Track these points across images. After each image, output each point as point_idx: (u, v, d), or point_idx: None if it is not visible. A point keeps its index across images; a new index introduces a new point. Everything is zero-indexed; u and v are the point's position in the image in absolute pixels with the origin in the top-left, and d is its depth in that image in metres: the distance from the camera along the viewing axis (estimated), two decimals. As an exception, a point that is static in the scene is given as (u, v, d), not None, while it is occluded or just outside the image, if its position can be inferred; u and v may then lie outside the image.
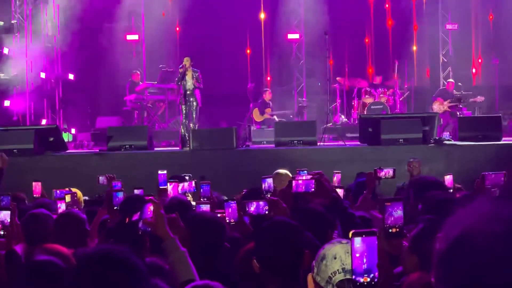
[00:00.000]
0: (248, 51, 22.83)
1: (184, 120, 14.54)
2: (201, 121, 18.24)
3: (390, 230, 3.54)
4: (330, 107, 18.01)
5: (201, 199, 6.63)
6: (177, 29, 23.10)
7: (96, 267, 2.35)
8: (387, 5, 22.13)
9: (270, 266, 3.46)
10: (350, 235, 2.57)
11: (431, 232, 3.47)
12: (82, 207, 7.52)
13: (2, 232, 5.09)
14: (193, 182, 7.22)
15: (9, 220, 5.12)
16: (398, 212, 3.64)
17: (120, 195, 6.47)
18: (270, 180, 6.42)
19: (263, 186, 6.42)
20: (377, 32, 22.02)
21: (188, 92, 14.53)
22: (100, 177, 8.69)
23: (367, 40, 22.22)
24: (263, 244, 3.56)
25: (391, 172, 6.86)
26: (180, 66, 14.96)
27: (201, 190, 6.97)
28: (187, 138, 13.78)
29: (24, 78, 21.46)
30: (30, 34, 21.95)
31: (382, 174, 6.81)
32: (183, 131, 14.37)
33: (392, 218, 3.59)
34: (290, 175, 7.25)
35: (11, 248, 4.92)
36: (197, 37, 21.92)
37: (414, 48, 21.98)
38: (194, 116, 14.51)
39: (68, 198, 6.76)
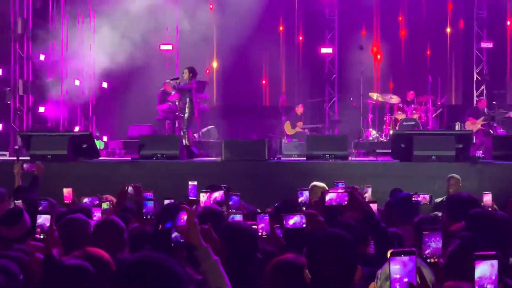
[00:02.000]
0: (281, 63, 22.83)
1: (184, 131, 14.85)
2: (233, 132, 18.29)
3: (428, 260, 3.52)
4: (362, 122, 17.95)
5: (230, 210, 6.62)
6: (207, 40, 23.21)
7: (137, 273, 2.37)
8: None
9: (323, 277, 3.45)
10: (388, 255, 2.54)
11: (468, 248, 3.45)
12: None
13: (41, 236, 5.13)
14: (223, 193, 7.21)
15: (48, 225, 5.16)
16: (437, 243, 3.63)
17: (150, 204, 6.50)
18: (307, 193, 6.40)
19: (300, 198, 6.39)
20: (411, 48, 21.92)
21: (186, 104, 14.76)
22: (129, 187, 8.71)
23: (400, 56, 22.14)
24: (317, 255, 3.54)
25: (427, 198, 6.77)
26: (176, 77, 15.32)
27: (230, 200, 6.96)
28: (190, 147, 14.09)
29: (59, 85, 21.69)
30: (66, 42, 22.19)
31: (419, 199, 6.74)
32: (185, 141, 14.62)
33: (431, 249, 3.57)
34: (327, 188, 7.22)
35: (50, 252, 4.96)
36: (229, 48, 21.98)
37: (451, 64, 21.87)
38: (187, 124, 14.85)
39: (105, 205, 6.78)
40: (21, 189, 9.07)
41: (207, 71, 22.50)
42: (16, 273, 4.31)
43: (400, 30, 22.14)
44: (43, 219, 5.20)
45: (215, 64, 23.20)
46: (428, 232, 3.67)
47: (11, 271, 4.32)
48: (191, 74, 15.05)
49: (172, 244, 3.62)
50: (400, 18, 22.08)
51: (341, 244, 3.51)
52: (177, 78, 15.37)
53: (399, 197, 7.05)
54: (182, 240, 3.61)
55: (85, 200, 7.41)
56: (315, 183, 8.02)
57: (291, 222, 5.19)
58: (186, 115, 14.95)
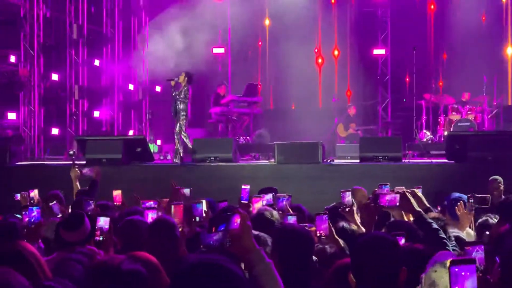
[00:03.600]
0: (334, 65, 22.76)
1: (184, 135, 14.88)
2: (285, 134, 18.26)
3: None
4: (416, 123, 17.77)
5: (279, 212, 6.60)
6: (260, 43, 23.29)
7: (199, 274, 2.41)
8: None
9: (367, 281, 3.43)
10: (448, 264, 2.50)
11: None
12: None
13: (101, 238, 5.20)
14: (272, 195, 7.20)
15: (107, 227, 5.23)
16: (478, 254, 3.60)
17: (200, 206, 6.53)
18: (349, 193, 6.36)
19: (345, 199, 6.38)
20: (466, 47, 21.62)
21: (181, 107, 14.87)
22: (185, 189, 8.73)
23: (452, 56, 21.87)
24: (361, 258, 3.53)
25: (486, 199, 6.63)
26: (172, 79, 15.35)
27: (279, 203, 6.96)
28: (180, 152, 14.13)
29: (113, 90, 21.99)
30: (120, 47, 22.47)
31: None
32: (181, 147, 14.63)
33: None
34: (365, 192, 7.20)
35: (108, 253, 5.02)
36: (280, 51, 21.99)
37: (507, 63, 21.51)
38: (183, 128, 14.81)
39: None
40: (82, 192, 9.21)
41: (259, 75, 22.52)
42: (80, 278, 4.38)
43: (453, 29, 21.88)
44: (103, 222, 5.28)
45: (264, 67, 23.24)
46: (470, 247, 3.65)
47: (75, 276, 4.39)
48: (186, 78, 15.04)
49: (228, 245, 3.61)
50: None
51: (385, 247, 3.48)
52: (172, 79, 15.38)
53: (454, 199, 6.96)
54: (215, 245, 3.60)
55: (150, 203, 7.41)
56: (355, 187, 7.98)
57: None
58: (182, 120, 14.91)
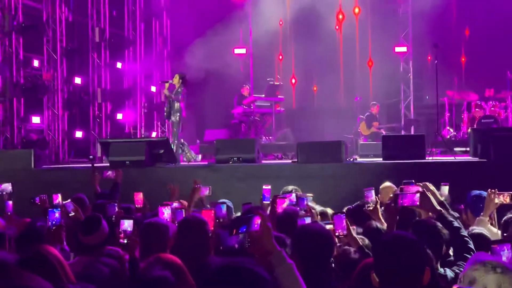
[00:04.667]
0: (355, 64, 22.70)
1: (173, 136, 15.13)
2: (308, 134, 18.24)
3: None
4: (439, 120, 17.66)
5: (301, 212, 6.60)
6: (281, 43, 23.31)
7: (227, 277, 2.44)
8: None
9: (390, 280, 3.42)
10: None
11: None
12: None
13: (125, 241, 5.23)
14: (293, 195, 7.19)
15: (131, 230, 5.26)
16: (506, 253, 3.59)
17: (223, 208, 6.55)
18: (372, 192, 6.34)
19: (369, 198, 6.36)
20: (489, 43, 21.45)
21: (176, 108, 15.06)
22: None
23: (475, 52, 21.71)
24: (384, 258, 3.52)
25: (508, 197, 6.52)
26: (167, 81, 15.48)
27: (300, 203, 6.96)
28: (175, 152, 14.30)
29: (136, 92, 22.08)
30: (142, 49, 22.56)
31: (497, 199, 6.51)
32: (176, 147, 14.78)
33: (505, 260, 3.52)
34: (395, 188, 7.16)
35: (134, 256, 5.05)
36: (301, 50, 22.00)
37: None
38: (177, 131, 15.07)
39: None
40: (102, 195, 9.28)
41: (277, 76, 22.51)
42: (106, 281, 4.42)
43: (475, 25, 21.73)
44: (127, 224, 5.31)
45: (290, 66, 23.25)
46: (498, 245, 3.64)
47: (101, 279, 4.43)
48: (181, 80, 15.13)
49: (247, 245, 3.62)
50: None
51: (408, 246, 3.47)
52: (167, 81, 15.55)
53: (475, 196, 6.92)
54: (236, 246, 3.61)
55: (175, 204, 7.43)
56: (386, 183, 7.94)
57: None
58: (176, 120, 15.04)
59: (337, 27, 22.77)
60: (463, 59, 22.09)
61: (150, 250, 5.01)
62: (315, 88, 23.03)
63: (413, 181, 6.59)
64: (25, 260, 4.00)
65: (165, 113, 15.53)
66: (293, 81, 23.28)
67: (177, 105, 15.01)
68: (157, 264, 4.23)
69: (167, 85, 15.39)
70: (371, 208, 6.12)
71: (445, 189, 7.94)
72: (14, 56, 18.82)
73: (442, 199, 6.09)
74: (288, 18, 22.97)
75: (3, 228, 5.95)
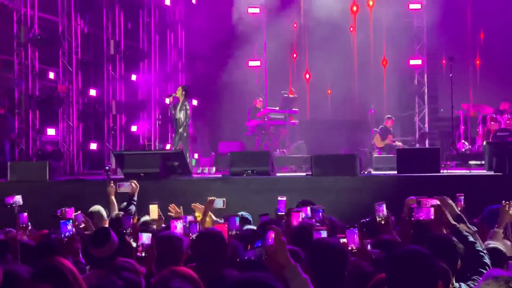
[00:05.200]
0: (370, 76, 22.67)
1: (175, 145, 15.28)
2: (322, 146, 18.21)
3: None
4: (454, 133, 17.61)
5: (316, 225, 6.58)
6: (294, 55, 23.34)
7: None
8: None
9: None
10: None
11: None
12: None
13: (143, 254, 5.25)
14: (308, 208, 7.17)
15: (148, 243, 5.28)
16: None
17: (237, 220, 6.55)
18: (383, 207, 6.32)
19: (380, 212, 6.34)
20: (504, 56, 21.38)
21: (179, 123, 15.13)
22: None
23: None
24: (396, 272, 3.51)
25: None
26: (170, 94, 15.57)
27: (315, 216, 6.94)
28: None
29: (150, 104, 22.15)
30: (157, 61, 22.65)
31: None
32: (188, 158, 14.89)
33: None
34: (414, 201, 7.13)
35: (151, 269, 5.06)
36: (315, 62, 22.02)
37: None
38: (186, 141, 15.22)
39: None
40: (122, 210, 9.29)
41: (291, 89, 22.53)
42: None
43: (490, 38, 21.69)
44: (145, 238, 5.33)
45: (304, 79, 23.25)
46: None
47: None
48: (184, 93, 15.23)
49: (264, 258, 3.62)
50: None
51: (421, 261, 3.46)
52: (170, 95, 15.70)
53: (491, 210, 6.88)
54: (253, 259, 3.62)
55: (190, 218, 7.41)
56: (411, 197, 7.93)
57: None
58: (184, 132, 15.13)
59: (351, 28, 22.74)
60: (477, 72, 22.01)
61: (164, 263, 5.01)
62: (329, 96, 22.95)
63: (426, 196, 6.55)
64: (39, 272, 4.01)
65: (173, 125, 15.66)
66: (308, 93, 23.23)
67: (182, 118, 15.11)
68: (173, 277, 4.23)
69: (170, 98, 15.51)
70: (384, 222, 6.11)
71: (462, 199, 7.90)
72: (30, 68, 18.96)
73: (458, 209, 6.07)
74: (302, 29, 23.00)
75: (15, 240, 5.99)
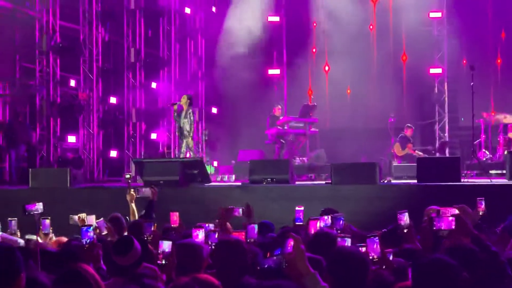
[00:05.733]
0: (388, 85, 22.61)
1: (182, 154, 15.47)
2: (341, 154, 18.17)
3: None
4: (474, 143, 17.51)
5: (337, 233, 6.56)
6: (315, 62, 23.33)
7: None
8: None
9: None
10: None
11: None
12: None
13: (163, 262, 5.27)
14: (327, 217, 7.15)
15: (169, 250, 5.30)
16: None
17: (256, 228, 6.57)
18: (406, 215, 6.30)
19: (402, 221, 6.31)
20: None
21: (184, 132, 15.40)
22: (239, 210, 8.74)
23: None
24: (422, 281, 3.51)
25: None
26: (175, 103, 15.69)
27: (336, 224, 6.92)
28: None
29: (170, 112, 22.21)
30: (177, 69, 22.73)
31: None
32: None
33: None
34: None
35: (171, 277, 5.07)
36: (335, 70, 22.01)
37: None
38: (192, 148, 15.47)
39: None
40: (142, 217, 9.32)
41: (311, 95, 22.52)
42: None
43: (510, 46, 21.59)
44: (166, 245, 5.35)
45: (323, 87, 23.24)
46: None
47: None
48: (189, 101, 15.42)
49: (284, 266, 3.62)
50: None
51: (446, 270, 3.46)
52: (175, 103, 15.84)
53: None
54: (273, 266, 3.61)
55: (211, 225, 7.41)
56: (431, 207, 7.90)
57: None
58: (190, 140, 15.38)
59: (371, 37, 22.70)
60: (498, 74, 21.90)
61: (185, 271, 5.01)
62: (348, 105, 22.89)
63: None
64: (61, 278, 4.03)
65: (177, 133, 15.81)
66: (328, 101, 23.20)
67: (187, 125, 15.27)
68: (195, 284, 4.24)
69: (175, 107, 15.65)
70: (406, 231, 6.09)
71: (483, 204, 7.84)
72: (51, 75, 19.10)
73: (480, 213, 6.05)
74: (322, 38, 23.00)
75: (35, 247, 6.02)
